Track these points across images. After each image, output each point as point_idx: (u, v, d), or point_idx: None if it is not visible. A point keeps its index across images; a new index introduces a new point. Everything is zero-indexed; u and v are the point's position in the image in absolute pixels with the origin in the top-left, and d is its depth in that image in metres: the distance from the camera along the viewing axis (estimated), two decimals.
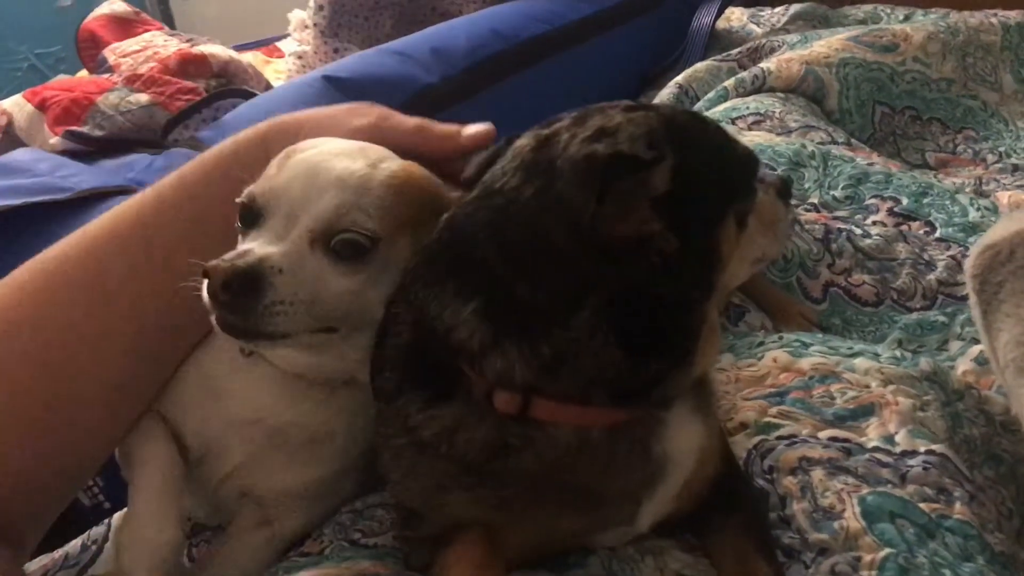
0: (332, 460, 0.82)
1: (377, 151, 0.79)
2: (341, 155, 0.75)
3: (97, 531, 1.02)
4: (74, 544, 1.02)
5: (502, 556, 0.66)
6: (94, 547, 1.00)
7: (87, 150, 1.66)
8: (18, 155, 1.55)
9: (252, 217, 0.74)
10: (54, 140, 1.69)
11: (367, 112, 0.89)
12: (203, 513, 0.93)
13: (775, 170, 1.28)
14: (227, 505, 0.86)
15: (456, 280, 0.65)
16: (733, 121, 1.54)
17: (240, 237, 0.75)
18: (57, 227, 1.29)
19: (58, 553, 1.01)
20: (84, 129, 1.67)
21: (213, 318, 0.69)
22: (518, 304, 0.62)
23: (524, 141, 0.68)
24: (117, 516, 1.00)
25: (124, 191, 1.40)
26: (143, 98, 1.71)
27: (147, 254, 0.82)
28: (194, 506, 0.93)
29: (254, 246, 0.70)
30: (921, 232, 1.20)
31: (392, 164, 0.77)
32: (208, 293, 0.67)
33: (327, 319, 0.72)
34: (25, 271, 0.83)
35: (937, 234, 1.20)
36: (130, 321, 0.82)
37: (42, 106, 1.77)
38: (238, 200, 0.75)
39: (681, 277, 0.63)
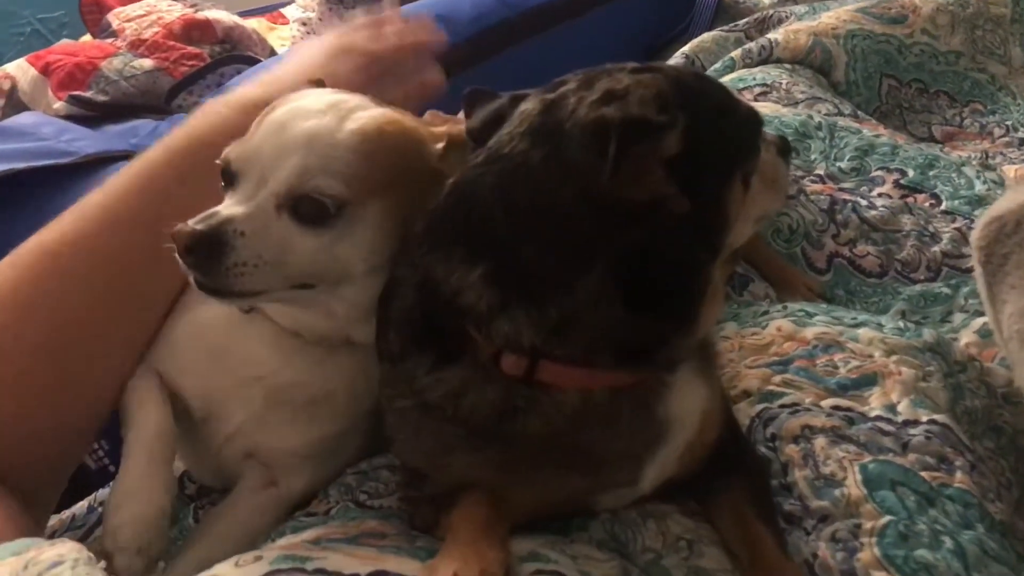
0: (333, 420, 0.83)
1: (352, 104, 0.77)
2: (312, 113, 0.75)
3: (103, 493, 1.03)
4: (80, 506, 1.03)
5: (505, 518, 0.67)
6: (100, 509, 1.01)
7: (91, 115, 1.66)
8: (22, 119, 1.55)
9: (230, 178, 0.75)
10: (58, 104, 1.69)
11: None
12: (208, 476, 0.94)
13: None
14: (231, 467, 0.86)
15: (463, 244, 0.65)
16: (740, 92, 1.53)
17: (224, 195, 0.76)
18: (61, 191, 1.29)
19: (65, 514, 1.02)
20: (88, 94, 1.67)
21: (191, 278, 0.71)
22: (526, 268, 0.63)
23: (530, 105, 0.68)
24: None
25: (128, 156, 1.40)
26: (147, 63, 1.71)
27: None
28: (199, 469, 0.94)
29: (221, 208, 0.72)
30: (926, 204, 1.20)
31: (365, 121, 0.75)
32: (178, 255, 0.70)
33: (299, 277, 0.74)
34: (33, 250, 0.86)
35: (943, 206, 1.20)
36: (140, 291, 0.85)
37: (46, 71, 1.77)
38: (216, 161, 0.75)
39: (690, 238, 0.64)
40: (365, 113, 0.77)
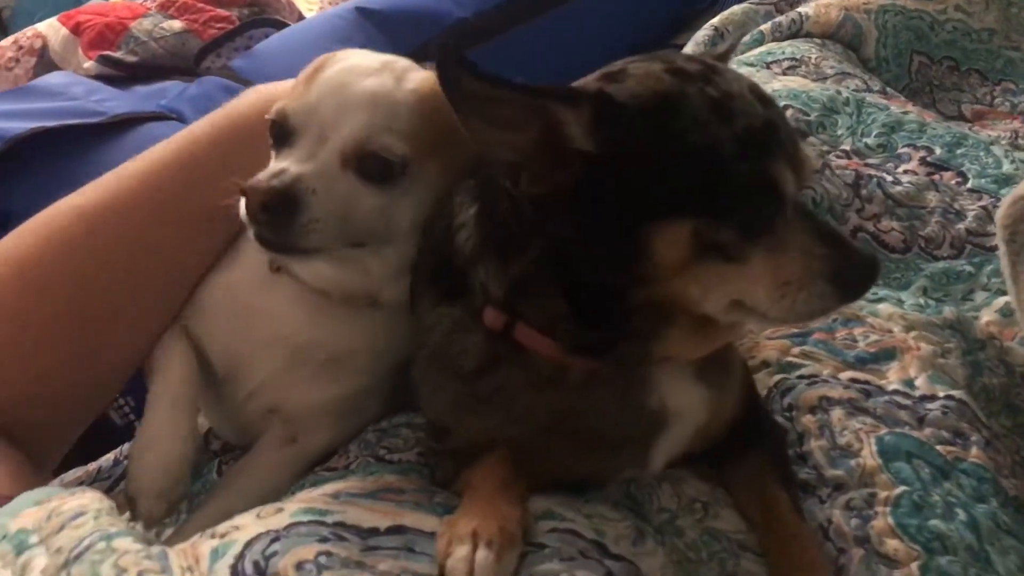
0: (354, 378, 0.84)
1: (403, 64, 0.78)
2: (369, 71, 0.75)
3: (129, 447, 1.05)
4: (107, 458, 1.04)
5: (525, 478, 0.68)
6: (125, 462, 1.03)
7: (121, 75, 1.67)
8: (52, 79, 1.56)
9: (284, 135, 0.75)
10: (88, 64, 1.70)
11: None
12: (231, 433, 0.96)
13: (808, 116, 1.27)
14: (254, 423, 0.88)
15: (475, 185, 0.69)
16: (768, 65, 1.52)
17: (273, 153, 0.76)
18: (90, 151, 1.31)
19: (92, 466, 1.04)
20: (118, 54, 1.68)
21: (251, 233, 0.71)
22: (499, 219, 0.65)
23: None
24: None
25: (157, 117, 1.42)
26: (176, 25, 1.72)
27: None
28: (222, 426, 0.96)
29: (288, 165, 0.71)
30: (953, 182, 1.19)
31: (420, 82, 0.76)
32: (247, 211, 0.70)
33: (356, 235, 0.74)
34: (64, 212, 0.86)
35: (969, 184, 1.19)
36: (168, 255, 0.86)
37: (76, 30, 1.78)
38: (268, 117, 0.76)
39: (602, 258, 0.62)
40: (418, 74, 0.78)
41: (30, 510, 0.61)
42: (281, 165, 0.72)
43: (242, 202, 0.70)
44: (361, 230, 0.74)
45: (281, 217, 0.69)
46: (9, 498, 0.66)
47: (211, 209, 0.76)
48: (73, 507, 0.61)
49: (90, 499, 0.63)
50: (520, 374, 0.68)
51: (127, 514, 0.78)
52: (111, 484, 0.98)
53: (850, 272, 0.60)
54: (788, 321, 0.76)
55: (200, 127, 0.90)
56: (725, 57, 0.85)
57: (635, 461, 0.71)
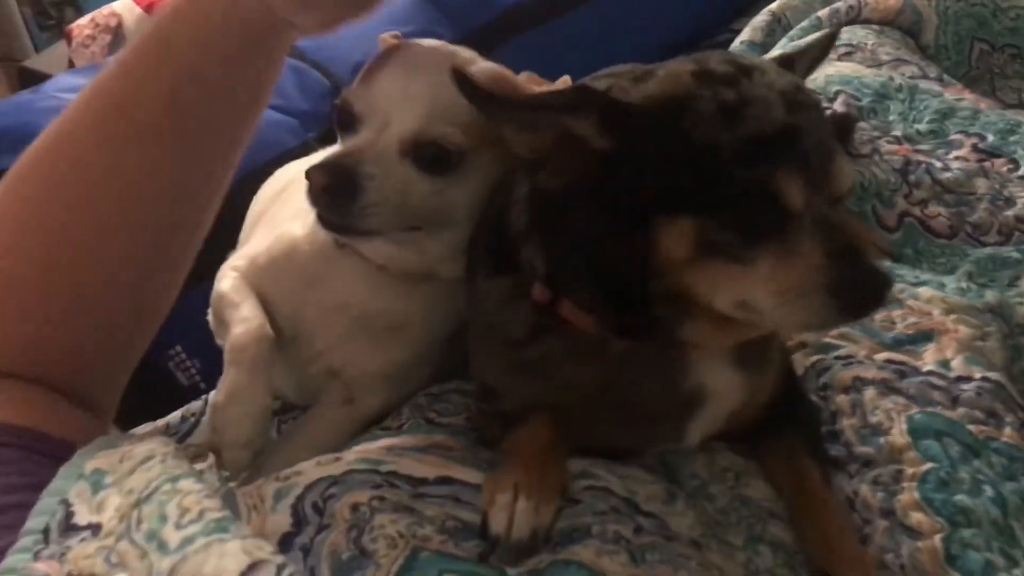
0: (410, 346, 0.89)
1: (466, 56, 0.82)
2: (432, 63, 0.79)
3: (195, 405, 1.11)
4: (174, 415, 1.10)
5: (567, 442, 0.72)
6: (192, 419, 1.09)
7: None
8: None
9: (348, 122, 0.79)
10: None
11: None
12: (292, 392, 1.01)
13: (859, 101, 1.28)
14: (314, 384, 0.93)
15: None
16: None
17: (339, 137, 0.80)
18: None
19: (160, 422, 1.10)
20: None
21: (315, 215, 0.76)
22: (545, 195, 0.68)
23: None
24: (213, 393, 1.08)
25: None
26: None
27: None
28: (284, 385, 1.01)
29: (351, 151, 0.76)
30: (1004, 169, 1.19)
31: (481, 73, 0.80)
32: (309, 194, 0.74)
33: (413, 220, 0.78)
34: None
35: (1021, 172, 1.18)
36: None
37: (150, 9, 1.85)
38: (336, 102, 0.80)
39: (610, 244, 0.65)
40: (479, 66, 0.81)
41: (103, 453, 0.65)
42: (344, 149, 0.76)
43: (306, 186, 0.74)
44: (417, 215, 0.78)
45: (341, 200, 0.74)
46: (62, 440, 0.69)
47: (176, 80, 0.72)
48: (143, 451, 0.65)
49: (157, 444, 0.66)
50: (564, 345, 0.71)
51: (209, 461, 0.84)
52: (180, 439, 1.05)
53: (855, 289, 0.59)
54: (789, 329, 0.75)
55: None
56: (816, 61, 0.85)
57: (671, 435, 0.75)
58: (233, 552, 0.53)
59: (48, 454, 0.67)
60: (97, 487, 0.61)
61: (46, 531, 0.58)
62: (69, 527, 0.58)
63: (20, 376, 0.75)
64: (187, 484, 0.60)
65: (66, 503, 0.60)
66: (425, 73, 0.77)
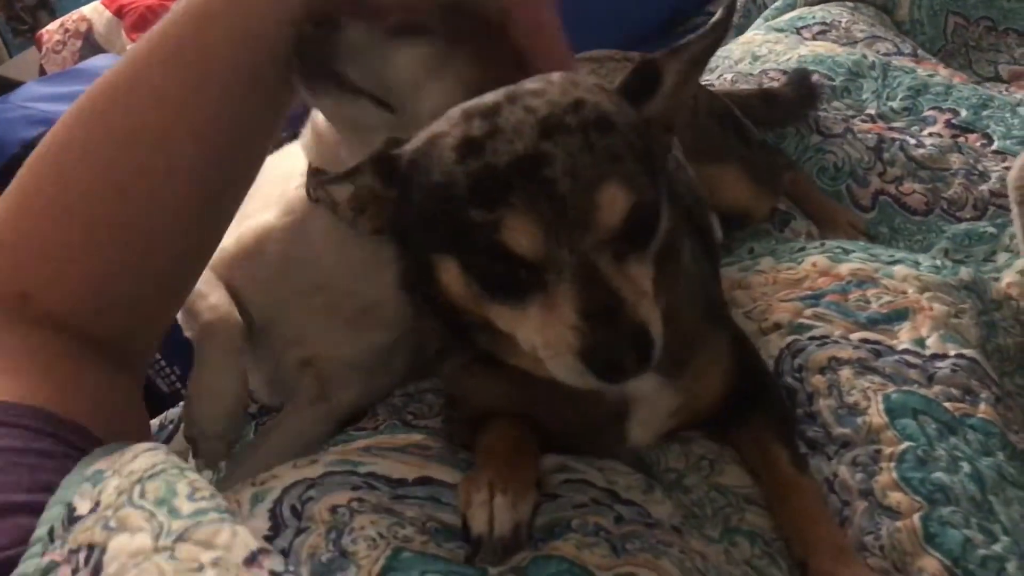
0: (382, 329, 0.89)
1: None
2: None
3: (173, 412, 1.11)
4: (152, 423, 1.11)
5: (534, 437, 0.72)
6: (170, 426, 1.09)
7: None
8: (98, 61, 1.62)
9: None
10: (131, 46, 1.75)
11: None
12: (264, 389, 1.01)
13: (833, 81, 1.28)
14: (287, 379, 0.93)
15: None
16: (798, 30, 1.52)
17: None
18: None
19: None
20: None
21: (296, 64, 0.72)
22: None
23: None
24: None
25: None
26: None
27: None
28: (256, 382, 1.01)
29: None
30: (978, 144, 1.20)
31: None
32: (293, 45, 0.71)
33: (385, 90, 0.75)
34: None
35: (994, 146, 1.19)
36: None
37: (119, 13, 1.84)
38: None
39: (416, 274, 0.66)
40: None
41: (105, 458, 0.62)
42: None
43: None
44: (388, 88, 0.74)
45: (324, 36, 0.70)
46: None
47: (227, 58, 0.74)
48: (144, 445, 0.63)
49: (156, 445, 0.64)
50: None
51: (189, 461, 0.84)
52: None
53: (603, 355, 0.54)
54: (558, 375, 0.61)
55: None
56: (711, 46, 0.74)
57: (615, 439, 0.75)
58: (244, 534, 0.52)
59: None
60: (97, 481, 0.61)
61: (51, 532, 0.57)
62: (72, 520, 0.57)
63: (76, 330, 0.72)
64: (194, 474, 0.60)
65: (69, 505, 0.59)
66: None
